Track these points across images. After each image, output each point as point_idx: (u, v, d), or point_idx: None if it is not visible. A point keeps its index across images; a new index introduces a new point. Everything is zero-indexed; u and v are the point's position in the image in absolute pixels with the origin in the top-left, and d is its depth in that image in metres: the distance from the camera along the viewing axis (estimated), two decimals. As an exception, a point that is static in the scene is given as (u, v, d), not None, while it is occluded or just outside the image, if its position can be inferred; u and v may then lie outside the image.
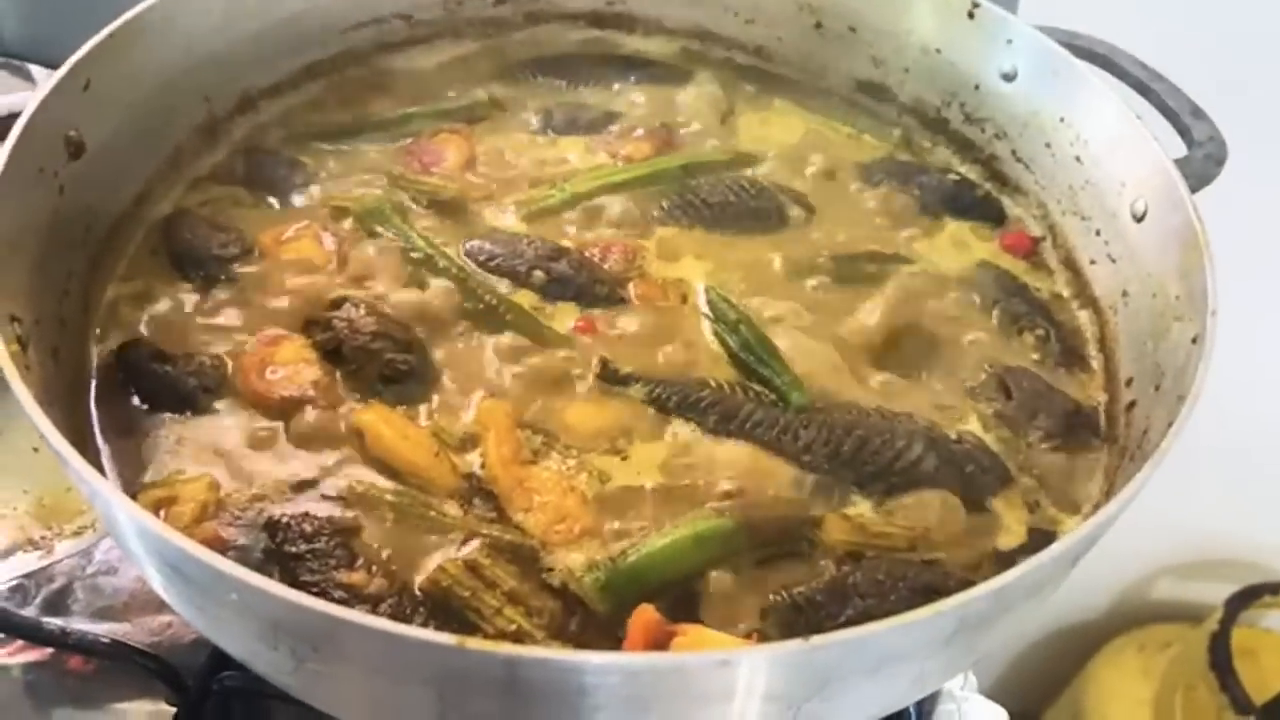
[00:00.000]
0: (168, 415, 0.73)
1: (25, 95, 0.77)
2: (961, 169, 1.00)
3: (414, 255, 0.85)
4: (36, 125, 0.72)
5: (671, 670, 0.48)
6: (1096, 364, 0.83)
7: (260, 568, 0.64)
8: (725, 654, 0.48)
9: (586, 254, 0.87)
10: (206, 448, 0.72)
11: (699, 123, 1.03)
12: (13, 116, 0.70)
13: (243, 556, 0.65)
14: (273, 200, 0.91)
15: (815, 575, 0.67)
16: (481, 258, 0.86)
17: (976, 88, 0.98)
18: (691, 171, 0.96)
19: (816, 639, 0.47)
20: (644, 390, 0.77)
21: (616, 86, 1.06)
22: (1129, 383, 0.78)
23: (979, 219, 0.95)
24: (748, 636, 0.63)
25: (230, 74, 0.94)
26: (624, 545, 0.67)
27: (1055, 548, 0.53)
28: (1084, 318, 0.87)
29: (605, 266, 0.86)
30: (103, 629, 0.81)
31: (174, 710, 0.79)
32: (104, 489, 0.53)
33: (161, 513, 0.67)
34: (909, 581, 0.64)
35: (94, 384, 0.75)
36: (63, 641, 0.76)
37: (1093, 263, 0.88)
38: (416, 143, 0.97)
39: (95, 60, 0.78)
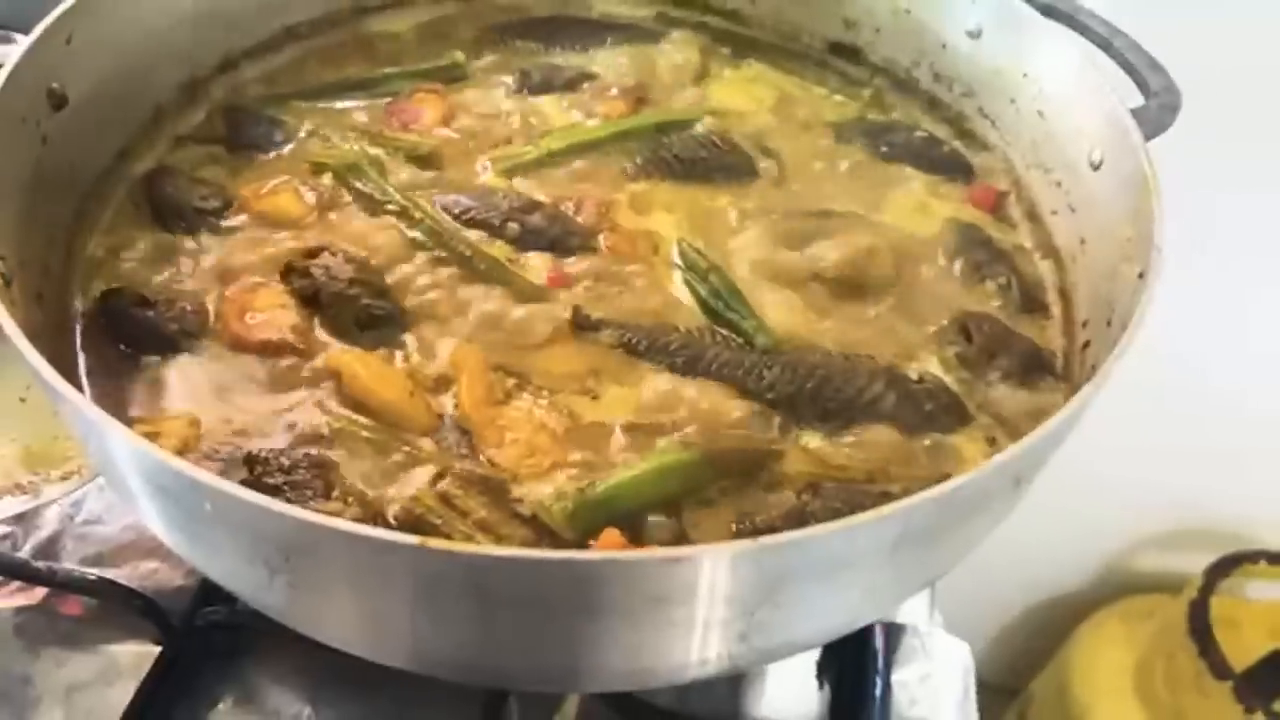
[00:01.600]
0: (150, 358, 0.75)
1: (7, 49, 0.79)
2: (930, 127, 1.02)
3: (390, 208, 0.87)
4: (20, 76, 0.74)
5: (625, 567, 0.50)
6: (1056, 310, 0.86)
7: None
8: (681, 550, 0.50)
9: (560, 207, 0.89)
10: (187, 389, 0.74)
11: (673, 82, 1.05)
12: (-4, 69, 0.71)
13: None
14: (253, 156, 0.93)
15: (776, 505, 0.69)
16: (456, 210, 0.88)
17: (944, 46, 1.00)
18: (665, 129, 0.98)
19: (766, 539, 0.49)
20: (614, 335, 0.79)
21: (592, 48, 1.08)
22: (1085, 324, 0.80)
23: (947, 174, 0.97)
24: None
25: (212, 34, 0.96)
26: (592, 477, 0.69)
27: (996, 459, 0.55)
28: (1045, 267, 0.89)
29: (578, 219, 0.89)
30: (91, 574, 0.83)
31: (159, 650, 0.81)
32: (92, 413, 0.55)
33: (144, 448, 0.69)
34: (866, 509, 0.66)
35: (79, 329, 0.77)
36: (51, 580, 0.78)
37: (1054, 213, 0.90)
38: (395, 102, 0.99)
39: (78, 14, 0.80)
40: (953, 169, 0.98)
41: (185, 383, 0.74)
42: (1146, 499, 1.73)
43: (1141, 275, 0.68)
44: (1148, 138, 0.79)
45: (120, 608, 0.82)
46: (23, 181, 0.74)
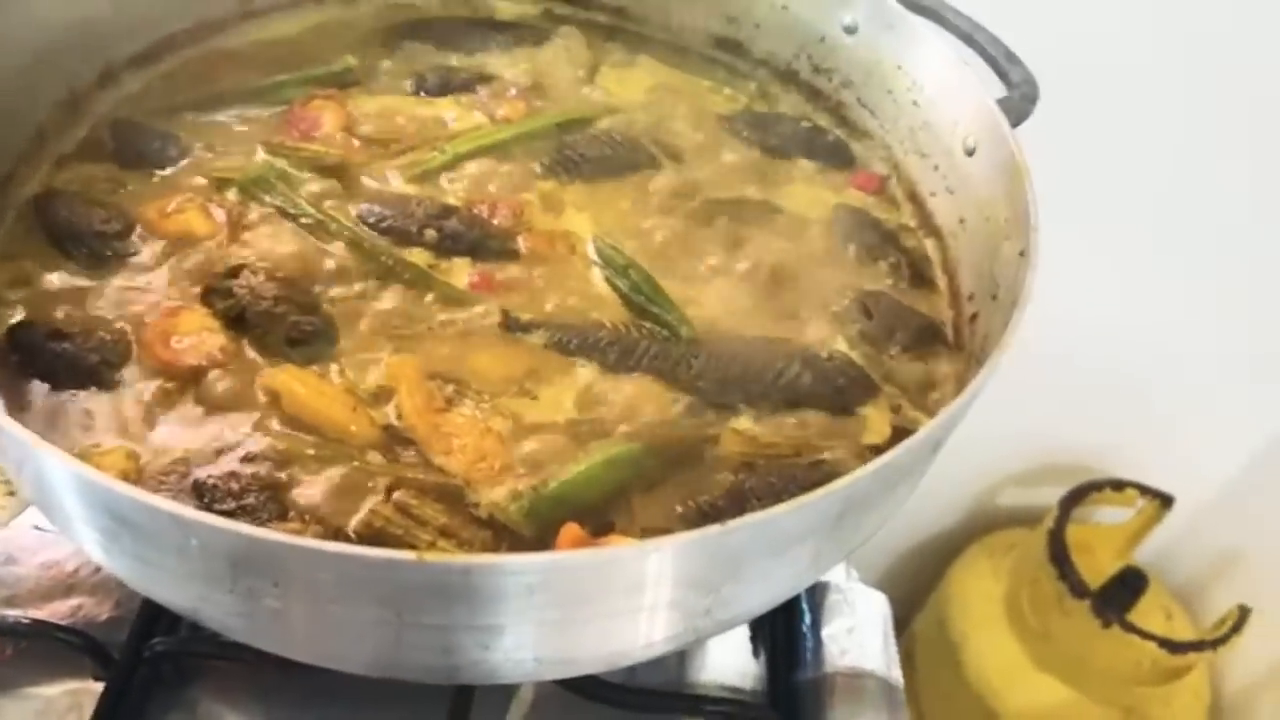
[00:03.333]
0: (73, 392, 0.73)
1: None
2: (814, 117, 1.09)
3: (304, 221, 0.86)
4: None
5: (605, 563, 0.54)
6: (942, 284, 0.94)
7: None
8: (651, 543, 0.54)
9: (475, 211, 0.91)
10: (118, 420, 0.72)
11: (566, 80, 1.08)
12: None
13: (173, 519, 0.67)
14: (149, 174, 0.90)
15: (717, 485, 0.74)
16: (372, 220, 0.88)
17: (822, 40, 1.07)
18: (565, 128, 1.01)
19: (730, 523, 0.54)
20: (545, 335, 0.82)
21: (483, 48, 1.09)
22: (970, 298, 0.88)
23: (831, 162, 1.04)
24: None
25: (90, 46, 0.92)
26: (543, 475, 0.72)
27: (921, 433, 0.61)
28: (929, 245, 0.97)
29: (494, 222, 0.91)
30: (17, 616, 0.81)
31: (100, 686, 0.79)
32: (35, 444, 0.54)
33: (83, 485, 0.67)
34: (799, 481, 0.73)
35: (-12, 368, 0.74)
36: (-23, 628, 0.75)
37: (933, 195, 0.98)
38: (291, 110, 0.98)
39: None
40: (837, 157, 1.05)
41: (115, 415, 0.73)
42: (1006, 442, 1.88)
43: (1023, 253, 0.76)
44: (1013, 125, 0.88)
45: (53, 647, 0.79)
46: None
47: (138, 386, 0.74)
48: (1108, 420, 1.81)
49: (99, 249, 0.82)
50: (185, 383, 0.75)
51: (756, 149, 1.03)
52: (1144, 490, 1.80)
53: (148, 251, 0.83)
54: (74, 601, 0.86)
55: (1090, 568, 1.77)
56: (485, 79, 1.06)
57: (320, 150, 0.93)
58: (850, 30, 1.04)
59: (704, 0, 1.12)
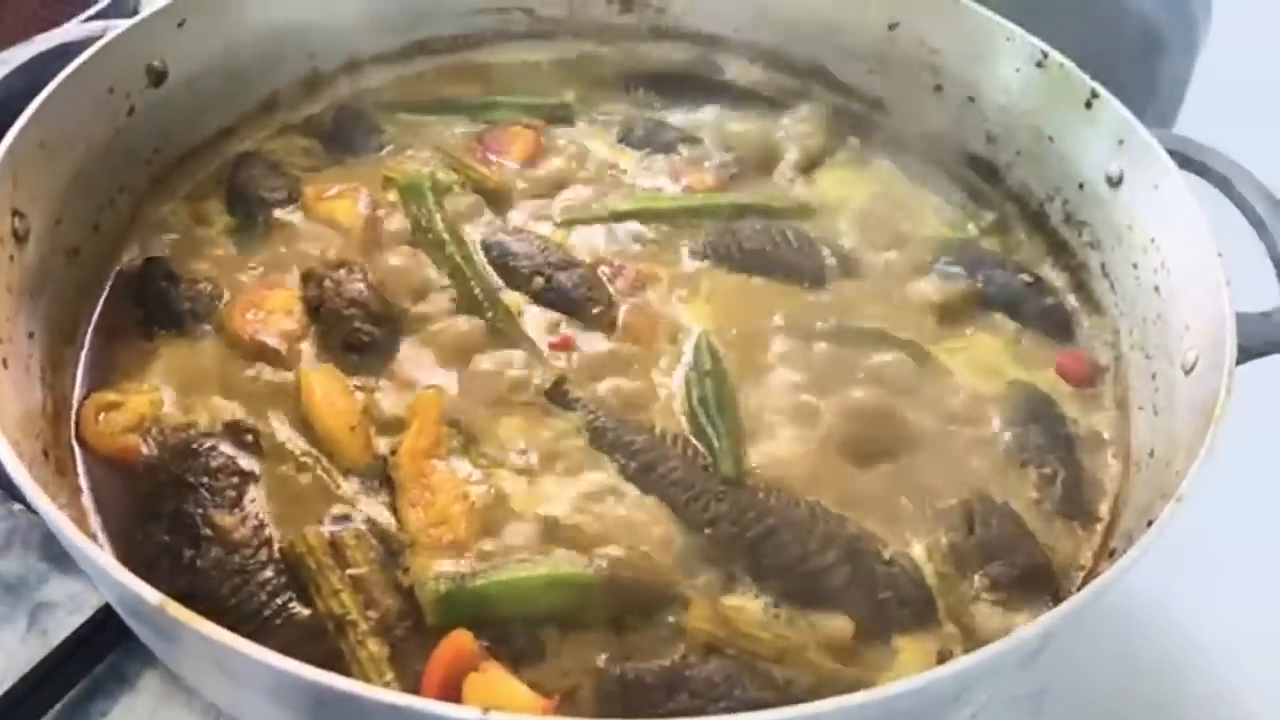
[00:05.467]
0: (156, 329, 0.79)
1: (105, 24, 0.85)
2: (1048, 273, 0.89)
3: (429, 237, 0.86)
4: (116, 49, 0.80)
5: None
6: (1101, 526, 0.72)
7: (158, 489, 0.68)
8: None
9: (598, 270, 0.85)
10: (173, 367, 0.77)
11: (778, 163, 0.98)
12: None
13: (149, 474, 0.70)
14: (343, 158, 0.96)
15: (657, 655, 0.62)
16: (494, 253, 0.86)
17: (1081, 186, 0.87)
18: (742, 213, 0.92)
19: None
20: (584, 417, 0.74)
21: (709, 111, 1.03)
22: (1112, 553, 0.66)
23: (1039, 328, 0.84)
24: (551, 695, 0.59)
25: (338, 37, 1.00)
26: (484, 566, 0.65)
27: (898, 684, 0.45)
28: (1114, 469, 0.75)
29: (611, 287, 0.84)
30: None
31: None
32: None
33: (101, 416, 0.72)
34: (742, 695, 0.58)
35: (109, 286, 0.82)
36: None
37: (1140, 409, 0.76)
38: (491, 131, 0.99)
39: (197, 4, 0.86)
40: (1050, 325, 0.85)
41: (172, 361, 0.77)
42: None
43: (1150, 523, 0.55)
44: (1261, 353, 0.65)
45: None
46: (92, 145, 0.79)
47: (205, 345, 0.79)
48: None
49: (255, 212, 0.89)
50: (245, 355, 0.78)
51: (956, 288, 0.87)
52: None
53: (291, 224, 0.88)
54: None
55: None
56: (692, 141, 1.00)
57: (485, 173, 0.93)
58: (1114, 182, 0.83)
59: (966, 111, 0.97)
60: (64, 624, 0.80)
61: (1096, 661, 0.83)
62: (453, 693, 0.59)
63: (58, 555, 0.83)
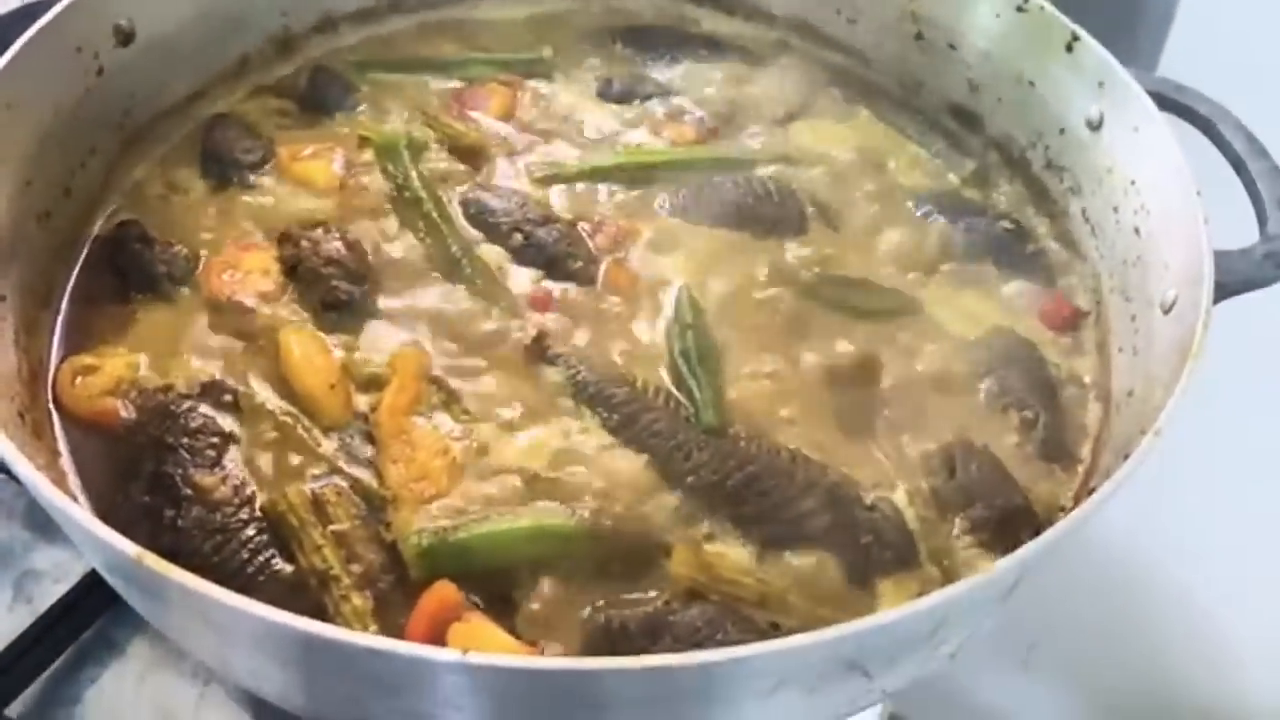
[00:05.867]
0: (132, 292, 0.79)
1: None
2: (1031, 220, 0.89)
3: (406, 195, 0.86)
4: (81, 7, 0.78)
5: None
6: (1082, 467, 0.72)
7: (138, 451, 0.68)
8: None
9: (577, 226, 0.85)
10: (150, 329, 0.76)
11: (760, 116, 0.97)
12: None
13: (128, 436, 0.69)
14: (318, 118, 0.95)
15: (640, 603, 0.62)
16: (472, 210, 0.85)
17: (1062, 131, 0.87)
18: (722, 167, 0.91)
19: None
20: (565, 373, 0.74)
21: (688, 64, 1.02)
22: (1091, 491, 0.67)
23: (1021, 275, 0.84)
24: (535, 643, 0.60)
25: (314, -5, 0.98)
26: (465, 519, 0.65)
27: (875, 617, 0.46)
28: (1095, 412, 0.75)
29: (590, 242, 0.84)
30: None
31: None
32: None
33: (78, 379, 0.72)
34: (725, 639, 0.59)
35: (85, 250, 0.81)
36: None
37: (1120, 351, 0.76)
38: (468, 88, 0.98)
39: (163, -39, 0.84)
40: (1032, 271, 0.85)
41: (149, 324, 0.77)
42: None
43: (1126, 457, 0.55)
44: (1238, 290, 0.65)
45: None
46: (60, 107, 0.78)
47: (183, 308, 0.78)
48: None
49: (229, 174, 0.88)
50: (222, 316, 0.77)
51: (935, 238, 0.86)
52: None
53: (264, 186, 0.87)
54: None
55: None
56: (672, 95, 0.98)
57: (461, 130, 0.92)
58: (1094, 125, 0.83)
59: (948, 59, 0.96)
60: (49, 592, 0.81)
61: (1084, 616, 0.84)
62: (438, 642, 0.59)
63: (42, 524, 0.83)
